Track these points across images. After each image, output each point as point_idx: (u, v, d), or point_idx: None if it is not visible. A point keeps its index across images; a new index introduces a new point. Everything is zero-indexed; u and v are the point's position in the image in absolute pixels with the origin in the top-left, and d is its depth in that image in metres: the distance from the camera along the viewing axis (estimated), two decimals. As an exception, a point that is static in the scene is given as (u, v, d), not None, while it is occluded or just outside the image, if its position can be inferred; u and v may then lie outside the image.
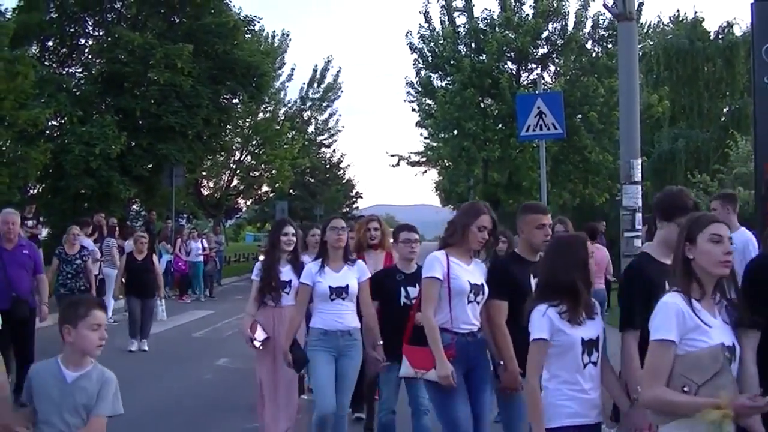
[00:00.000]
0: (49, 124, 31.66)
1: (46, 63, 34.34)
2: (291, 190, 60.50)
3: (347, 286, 8.44)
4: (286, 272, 9.50)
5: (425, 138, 48.75)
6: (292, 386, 9.64)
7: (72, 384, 5.00)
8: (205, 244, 29.82)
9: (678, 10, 75.90)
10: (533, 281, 6.47)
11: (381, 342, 8.35)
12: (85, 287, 15.02)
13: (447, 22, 38.73)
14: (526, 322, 5.51)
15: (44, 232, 30.17)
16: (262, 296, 9.37)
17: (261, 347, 9.33)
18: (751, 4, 11.00)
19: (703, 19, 48.20)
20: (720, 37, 46.45)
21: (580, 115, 35.51)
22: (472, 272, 7.02)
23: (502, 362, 6.81)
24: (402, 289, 8.63)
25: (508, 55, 37.66)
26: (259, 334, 9.30)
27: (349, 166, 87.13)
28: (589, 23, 37.27)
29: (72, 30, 35.52)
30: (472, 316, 6.95)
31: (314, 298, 8.58)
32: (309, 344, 8.66)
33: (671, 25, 52.97)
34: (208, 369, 14.72)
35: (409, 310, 7.96)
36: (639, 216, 8.28)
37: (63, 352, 5.07)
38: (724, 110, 47.13)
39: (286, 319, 9.07)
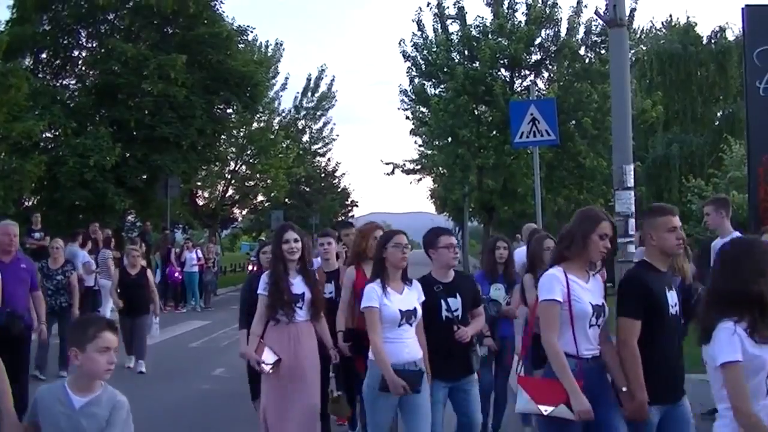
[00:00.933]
0: (44, 136, 31.64)
1: (40, 75, 34.33)
2: (286, 200, 60.55)
3: (415, 309, 7.37)
4: (297, 284, 8.49)
5: (420, 146, 48.82)
6: (310, 420, 8.47)
7: (80, 411, 4.70)
8: (200, 255, 29.80)
9: (670, 15, 76.26)
10: (669, 294, 6.18)
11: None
12: (67, 304, 14.40)
13: (440, 30, 38.82)
14: (705, 340, 4.93)
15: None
16: (274, 313, 8.34)
17: (271, 371, 8.33)
18: (743, 8, 11.06)
19: (696, 24, 48.52)
20: (713, 41, 46.63)
21: (573, 121, 35.58)
22: (592, 291, 6.22)
23: (625, 389, 6.03)
24: (442, 301, 7.69)
25: (502, 62, 37.70)
26: (268, 357, 8.36)
27: (344, 174, 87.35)
28: (581, 29, 37.34)
29: (65, 42, 35.50)
30: (593, 338, 6.15)
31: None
32: (369, 383, 7.31)
33: (664, 30, 53.17)
34: (205, 379, 14.70)
35: (453, 325, 7.56)
36: (632, 222, 8.30)
37: (70, 375, 4.85)
38: (718, 114, 47.31)
39: (303, 336, 8.45)
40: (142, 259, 16.22)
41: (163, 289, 28.16)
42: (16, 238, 11.15)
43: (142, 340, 15.60)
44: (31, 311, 11.31)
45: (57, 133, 32.57)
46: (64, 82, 36.45)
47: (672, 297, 6.28)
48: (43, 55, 35.49)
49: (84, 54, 36.55)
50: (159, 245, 30.42)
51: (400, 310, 7.22)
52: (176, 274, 28.64)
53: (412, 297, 7.43)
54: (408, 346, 7.26)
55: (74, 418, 4.67)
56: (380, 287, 7.31)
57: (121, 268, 16.49)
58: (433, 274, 7.84)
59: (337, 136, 66.91)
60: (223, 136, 42.84)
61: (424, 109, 40.93)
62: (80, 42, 36.33)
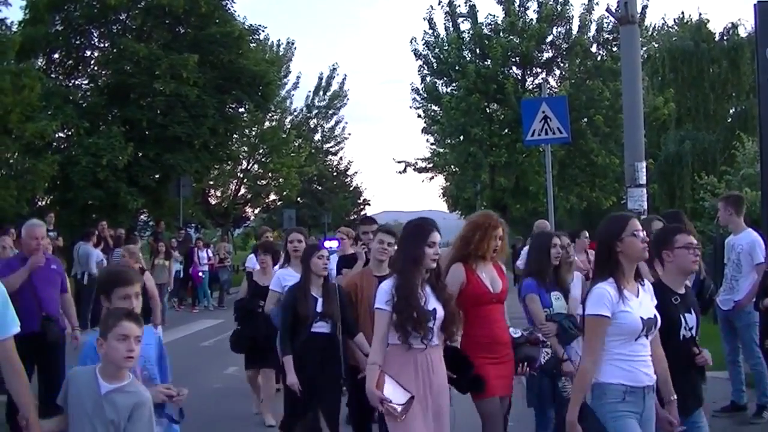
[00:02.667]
0: (56, 136, 31.69)
1: (53, 75, 34.39)
2: (298, 198, 60.46)
3: (655, 317, 5.88)
4: (428, 297, 6.52)
5: (431, 144, 48.70)
6: None
7: (104, 396, 4.92)
8: (210, 254, 29.83)
9: (682, 12, 75.90)
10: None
11: (674, 397, 6.07)
12: None
13: (451, 28, 38.82)
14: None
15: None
16: (404, 335, 6.31)
17: (403, 415, 6.28)
18: (755, 4, 11.01)
19: (708, 21, 48.30)
20: (725, 38, 46.51)
21: (585, 119, 35.57)
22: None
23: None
24: (682, 317, 6.36)
25: (513, 60, 37.72)
26: (397, 394, 6.30)
27: (356, 173, 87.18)
28: (593, 27, 37.36)
29: (78, 42, 35.56)
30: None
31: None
32: (607, 407, 5.66)
33: (676, 27, 53.04)
34: (217, 378, 14.72)
35: (690, 347, 6.39)
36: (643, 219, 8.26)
37: (100, 363, 5.05)
38: (730, 111, 47.21)
39: (436, 364, 6.52)
40: (137, 261, 13.65)
41: (183, 288, 28.39)
42: (44, 240, 10.27)
43: None
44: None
45: (70, 133, 32.66)
46: (77, 82, 36.52)
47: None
48: (56, 56, 35.57)
49: (96, 54, 36.61)
50: (182, 244, 30.29)
51: (642, 319, 5.71)
52: (200, 274, 28.69)
53: (649, 302, 5.93)
54: (647, 364, 5.78)
55: (99, 402, 4.89)
56: (615, 289, 5.69)
57: None
58: (664, 280, 6.45)
59: (349, 134, 66.85)
60: (235, 135, 42.84)
61: (435, 108, 40.91)
62: (92, 42, 36.38)
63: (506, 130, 37.48)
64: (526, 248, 13.55)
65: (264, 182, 53.83)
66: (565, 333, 8.06)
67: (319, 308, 8.34)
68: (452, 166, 46.66)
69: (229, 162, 46.39)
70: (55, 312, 9.95)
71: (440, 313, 6.52)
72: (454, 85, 38.78)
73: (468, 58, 38.15)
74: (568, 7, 37.42)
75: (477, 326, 7.28)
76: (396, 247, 8.08)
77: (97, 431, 4.86)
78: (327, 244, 31.61)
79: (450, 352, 6.89)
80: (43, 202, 32.13)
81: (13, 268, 9.79)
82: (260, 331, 10.42)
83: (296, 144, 53.77)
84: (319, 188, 66.51)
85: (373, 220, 11.26)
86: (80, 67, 36.45)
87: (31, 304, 9.47)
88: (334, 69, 61.35)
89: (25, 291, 9.40)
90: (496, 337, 7.38)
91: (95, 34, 36.08)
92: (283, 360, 8.38)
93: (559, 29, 38.01)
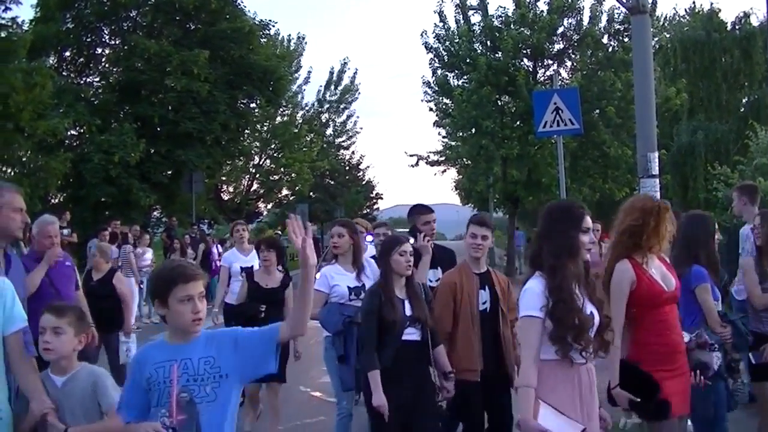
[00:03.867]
0: (68, 133, 31.83)
1: (64, 73, 34.53)
2: (311, 193, 60.44)
3: None
4: (584, 299, 5.36)
5: (443, 137, 48.66)
6: None
7: (61, 389, 5.17)
8: (220, 249, 29.81)
9: (694, 2, 75.25)
10: None
11: None
12: None
13: (462, 21, 38.71)
14: None
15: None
16: (565, 348, 5.19)
17: None
18: (766, -7, 10.95)
19: (720, 10, 48.20)
20: (737, 27, 46.27)
21: (597, 110, 35.43)
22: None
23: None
24: None
25: (524, 52, 37.60)
26: (563, 427, 5.17)
27: (368, 167, 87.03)
28: (604, 18, 37.20)
29: (89, 40, 35.68)
30: None
31: None
32: None
33: (687, 17, 52.86)
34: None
35: None
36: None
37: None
38: (743, 101, 46.99)
39: (593, 383, 5.42)
40: (107, 261, 12.46)
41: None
42: (58, 238, 9.59)
43: (115, 368, 11.24)
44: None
45: (82, 131, 32.78)
46: (88, 80, 36.69)
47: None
48: (67, 54, 35.71)
49: (107, 51, 36.76)
50: (200, 241, 30.14)
51: None
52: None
53: None
54: None
55: (59, 396, 5.18)
56: None
57: (86, 272, 12.36)
58: None
59: (361, 129, 66.86)
60: (246, 131, 42.93)
61: (447, 101, 40.82)
62: (103, 39, 36.52)
63: (518, 123, 37.38)
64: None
65: (276, 177, 53.81)
66: (740, 337, 7.17)
67: (408, 312, 7.23)
68: (464, 159, 46.58)
69: (241, 157, 46.49)
70: None
71: (597, 318, 5.40)
72: (465, 77, 38.69)
73: (479, 51, 38.06)
74: (578, -2, 37.35)
75: (653, 333, 6.20)
76: (489, 241, 7.80)
77: (70, 421, 5.14)
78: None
79: (628, 368, 6.05)
80: (56, 200, 32.23)
81: (27, 269, 8.48)
82: None
83: (308, 139, 53.80)
84: (332, 183, 66.47)
85: (429, 208, 9.75)
86: (91, 65, 36.57)
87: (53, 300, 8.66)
88: (345, 63, 61.35)
89: (45, 288, 8.97)
90: (674, 344, 6.30)
91: (106, 32, 36.22)
92: (368, 376, 7.02)
93: (570, 20, 37.89)
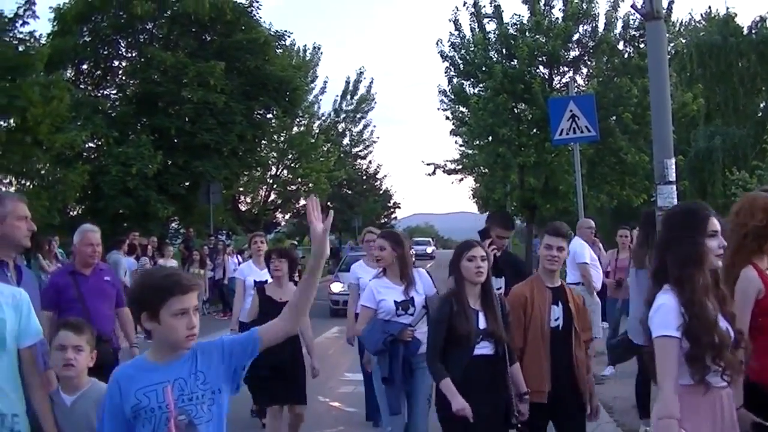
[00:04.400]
0: (86, 146, 31.92)
1: (81, 86, 34.66)
2: (329, 203, 60.51)
3: None
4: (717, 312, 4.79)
5: (460, 145, 48.65)
6: None
7: (70, 408, 5.15)
8: (240, 259, 29.88)
9: (710, 7, 75.39)
10: None
11: None
12: None
13: (477, 29, 38.71)
14: None
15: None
16: (703, 370, 4.60)
17: None
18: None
19: (736, 15, 47.91)
20: (753, 32, 46.15)
21: (614, 117, 35.39)
22: None
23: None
24: None
25: (540, 59, 37.58)
26: None
27: (385, 176, 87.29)
28: (619, 24, 37.15)
29: (105, 53, 35.84)
30: None
31: None
32: None
33: (703, 22, 52.78)
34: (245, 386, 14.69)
35: None
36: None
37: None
38: (761, 105, 46.84)
39: (732, 407, 4.87)
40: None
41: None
42: (99, 248, 9.13)
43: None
44: (117, 330, 9.27)
45: (99, 143, 32.91)
46: (105, 93, 36.81)
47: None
48: (84, 66, 35.84)
49: (124, 64, 36.89)
50: (217, 252, 30.18)
51: None
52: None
53: None
54: None
55: (68, 415, 5.20)
56: None
57: None
58: None
59: (378, 138, 67.02)
60: (263, 141, 42.99)
61: (463, 109, 40.82)
62: (120, 52, 36.67)
63: (534, 130, 37.36)
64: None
65: (294, 187, 53.90)
66: None
67: (481, 324, 6.67)
68: (481, 167, 46.57)
69: (258, 168, 46.55)
70: (107, 330, 8.63)
71: (731, 334, 4.77)
72: (481, 85, 38.68)
73: (494, 59, 38.06)
74: (593, 5, 37.25)
75: None
76: (565, 253, 7.28)
77: None
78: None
79: (754, 386, 5.32)
80: (74, 212, 32.33)
81: (60, 285, 8.79)
82: (284, 358, 8.96)
83: (325, 148, 53.88)
84: (349, 192, 66.64)
85: (511, 225, 9.13)
86: (108, 78, 36.72)
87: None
88: (361, 73, 61.54)
89: (73, 306, 8.45)
90: None
91: (122, 44, 36.37)
92: (439, 385, 6.53)
93: (585, 27, 37.85)
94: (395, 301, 8.01)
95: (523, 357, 6.95)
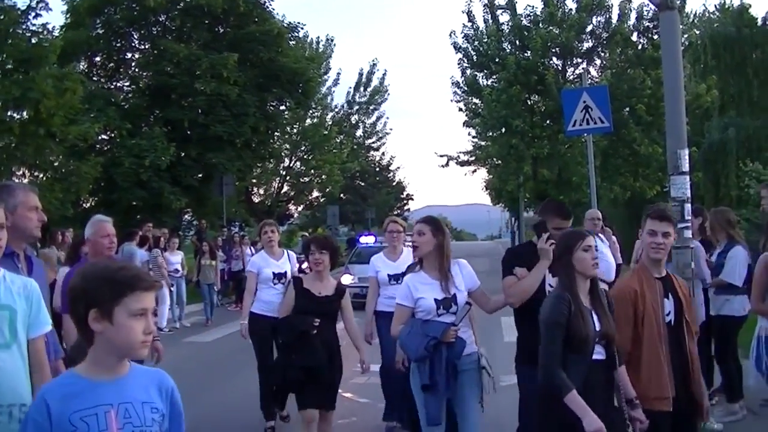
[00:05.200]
0: (99, 138, 31.93)
1: (94, 78, 34.68)
2: (342, 195, 60.65)
3: None
4: None
5: (473, 137, 48.72)
6: None
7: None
8: (253, 250, 29.80)
9: (724, -2, 75.29)
10: None
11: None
12: None
13: (490, 21, 38.75)
14: None
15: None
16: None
17: None
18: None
19: (750, 6, 47.74)
20: (767, 23, 45.99)
21: (627, 108, 35.37)
22: None
23: None
24: None
25: (553, 50, 37.60)
26: None
27: (398, 168, 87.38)
28: (633, 15, 37.15)
29: (118, 45, 35.85)
30: None
31: None
32: None
33: (717, 14, 52.60)
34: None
35: None
36: (688, 207, 8.21)
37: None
38: (775, 97, 46.67)
39: None
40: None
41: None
42: (115, 239, 8.49)
43: None
44: None
45: (112, 135, 32.92)
46: (118, 85, 36.85)
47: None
48: (97, 59, 35.87)
49: (137, 56, 36.91)
50: (236, 242, 30.09)
51: None
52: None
53: None
54: None
55: None
56: None
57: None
58: None
59: (391, 129, 67.13)
60: (276, 133, 43.00)
61: (476, 101, 40.88)
62: (133, 44, 36.70)
63: (548, 122, 37.40)
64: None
65: (307, 179, 54.01)
66: None
67: (597, 326, 5.84)
68: (494, 159, 46.64)
69: (272, 160, 46.61)
70: None
71: None
72: (494, 77, 38.73)
73: (508, 50, 38.10)
74: (607, -4, 37.31)
75: None
76: (672, 239, 6.55)
77: None
78: (363, 239, 31.51)
79: None
80: (88, 204, 32.38)
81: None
82: (320, 360, 8.37)
83: (338, 140, 53.93)
84: (362, 184, 66.72)
85: (568, 214, 7.54)
86: (121, 70, 36.75)
87: None
88: (374, 65, 61.62)
89: None
90: None
91: (135, 37, 36.38)
92: (565, 399, 5.55)
93: (598, 18, 37.85)
94: (436, 299, 6.99)
95: (639, 360, 6.24)
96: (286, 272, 10.76)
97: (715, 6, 54.00)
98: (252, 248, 29.60)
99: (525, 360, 6.78)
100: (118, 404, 3.43)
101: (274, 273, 10.74)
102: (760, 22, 46.22)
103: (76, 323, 3.50)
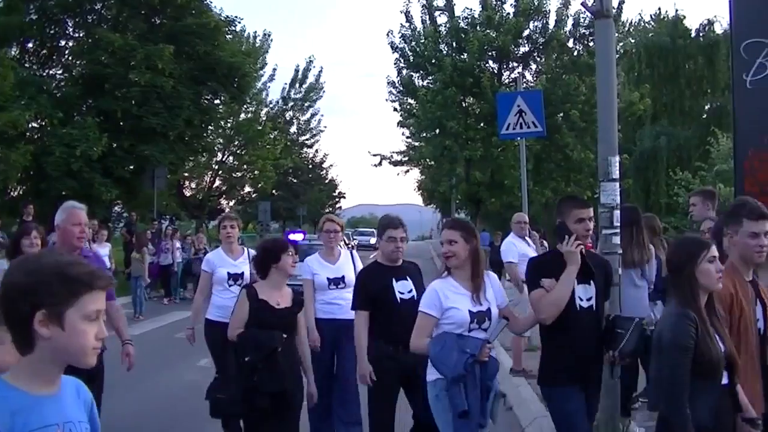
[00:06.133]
0: (30, 126, 31.54)
1: (26, 65, 34.22)
2: (274, 191, 60.51)
3: None
4: None
5: (407, 137, 48.91)
6: None
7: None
8: (178, 245, 29.44)
9: (659, 8, 76.26)
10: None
11: None
12: None
13: (428, 22, 38.89)
14: None
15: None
16: None
17: None
18: (730, 0, 11.05)
19: (684, 17, 48.62)
20: (701, 34, 46.77)
21: (561, 114, 35.71)
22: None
23: None
24: None
25: (490, 53, 37.81)
26: None
27: (331, 166, 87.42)
28: (569, 21, 37.49)
29: (52, 32, 35.38)
30: None
31: None
32: None
33: (652, 23, 53.36)
34: (190, 370, 14.62)
35: None
36: (617, 213, 8.29)
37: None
38: (706, 108, 47.58)
39: None
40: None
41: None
42: (87, 229, 7.73)
43: None
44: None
45: (43, 123, 32.50)
46: (51, 72, 36.37)
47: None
48: (30, 45, 35.39)
49: (71, 44, 36.46)
50: (168, 235, 29.84)
51: None
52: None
53: None
54: None
55: None
56: None
57: None
58: None
59: (325, 127, 67.26)
60: (210, 127, 42.73)
61: (411, 101, 41.03)
62: (67, 32, 36.23)
63: (482, 124, 37.60)
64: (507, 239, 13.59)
65: (239, 174, 53.83)
66: None
67: (722, 347, 5.06)
68: (428, 160, 46.81)
69: (205, 154, 46.30)
70: None
71: None
72: (430, 78, 38.88)
73: (444, 52, 38.24)
74: (544, 2, 37.57)
75: None
76: None
77: None
78: (292, 237, 31.39)
79: None
80: (16, 193, 31.97)
81: None
82: (287, 383, 7.17)
83: (272, 136, 53.70)
84: (295, 181, 66.58)
85: (585, 201, 6.84)
86: (55, 57, 36.28)
87: None
88: (311, 61, 61.57)
89: None
90: None
91: (70, 24, 35.93)
92: None
93: (535, 23, 38.15)
94: (470, 311, 6.13)
95: None
96: (243, 273, 9.79)
97: (651, 16, 54.84)
98: (181, 242, 29.38)
99: (551, 380, 6.29)
100: (63, 423, 2.92)
101: (229, 273, 9.82)
102: (693, 33, 47.05)
103: (11, 327, 2.89)
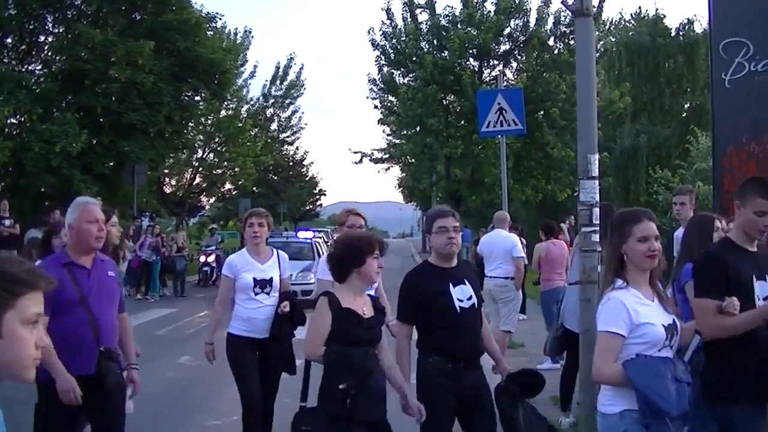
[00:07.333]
0: (9, 122, 31.35)
1: (5, 60, 33.99)
2: (254, 188, 60.31)
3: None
4: None
5: (388, 135, 48.93)
6: None
7: None
8: (150, 240, 29.29)
9: (639, 7, 76.43)
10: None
11: None
12: None
13: (409, 19, 38.90)
14: None
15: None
16: None
17: None
18: (709, 0, 11.11)
19: (665, 16, 48.86)
20: (681, 33, 46.94)
21: (542, 112, 35.78)
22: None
23: None
24: None
25: (470, 51, 37.86)
26: None
27: (312, 163, 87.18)
28: (550, 20, 37.56)
29: (31, 27, 35.16)
30: None
31: None
32: None
33: (633, 22, 53.54)
34: (170, 367, 14.63)
35: None
36: (596, 211, 8.32)
37: None
38: (685, 106, 47.77)
39: None
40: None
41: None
42: (105, 228, 6.59)
43: None
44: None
45: (22, 119, 32.34)
46: (30, 68, 36.12)
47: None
48: (9, 40, 35.13)
49: (50, 39, 36.22)
50: (137, 234, 29.81)
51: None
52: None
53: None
54: None
55: None
56: None
57: None
58: None
59: (306, 124, 66.97)
60: (190, 124, 42.59)
61: (392, 98, 41.01)
62: (46, 27, 36.00)
63: (462, 122, 37.62)
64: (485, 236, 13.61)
65: (220, 171, 53.66)
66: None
67: None
68: (408, 157, 46.84)
69: (185, 150, 46.12)
70: (114, 343, 6.53)
71: None
72: (411, 76, 38.91)
73: (425, 50, 38.26)
74: (525, 0, 37.62)
75: None
76: None
77: None
78: (301, 235, 31.19)
79: None
80: (-6, 189, 31.82)
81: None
82: (384, 410, 6.12)
83: (252, 133, 53.54)
84: (275, 178, 66.42)
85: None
86: (34, 53, 36.04)
87: (85, 331, 6.16)
88: (292, 59, 61.34)
89: (73, 310, 6.10)
90: None
91: (49, 19, 35.71)
92: None
93: (516, 22, 38.21)
94: (664, 326, 4.90)
95: None
96: (271, 279, 8.42)
97: (631, 15, 55.03)
98: (156, 238, 29.05)
99: (717, 397, 5.30)
100: None
101: (255, 279, 8.39)
102: (673, 32, 47.22)
103: None
